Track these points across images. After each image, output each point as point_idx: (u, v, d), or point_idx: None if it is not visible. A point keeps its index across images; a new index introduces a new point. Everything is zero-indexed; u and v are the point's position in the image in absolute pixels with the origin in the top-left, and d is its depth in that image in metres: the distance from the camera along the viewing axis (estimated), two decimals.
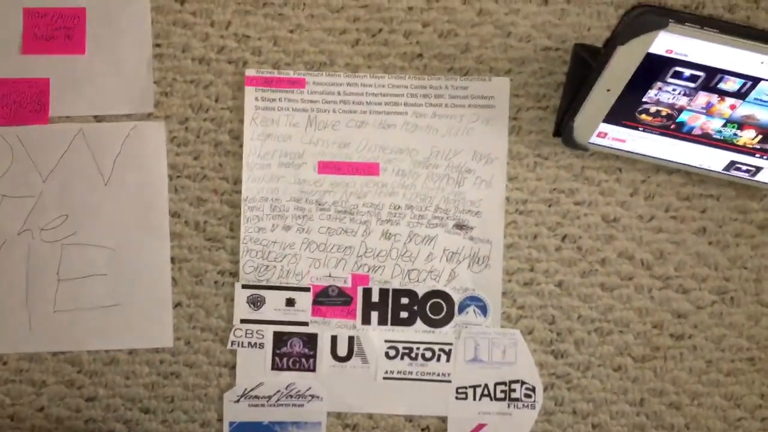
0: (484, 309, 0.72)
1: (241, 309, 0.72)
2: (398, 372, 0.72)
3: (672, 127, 0.64)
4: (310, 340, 0.72)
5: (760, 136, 0.63)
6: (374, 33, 0.72)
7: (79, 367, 0.73)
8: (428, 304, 0.72)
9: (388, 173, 0.72)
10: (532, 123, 0.71)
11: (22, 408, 0.73)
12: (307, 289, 0.72)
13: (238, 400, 0.72)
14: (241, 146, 0.72)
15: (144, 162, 0.72)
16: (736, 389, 0.72)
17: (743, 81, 0.59)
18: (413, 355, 0.72)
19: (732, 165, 0.66)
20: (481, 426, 0.72)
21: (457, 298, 0.72)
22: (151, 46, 0.72)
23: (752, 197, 0.71)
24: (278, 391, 0.72)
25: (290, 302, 0.72)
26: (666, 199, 0.71)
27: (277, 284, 0.72)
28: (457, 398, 0.72)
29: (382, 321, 0.72)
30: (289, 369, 0.72)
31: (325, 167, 0.72)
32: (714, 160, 0.66)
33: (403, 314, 0.72)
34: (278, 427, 0.72)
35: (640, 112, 0.63)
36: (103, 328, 0.72)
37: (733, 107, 0.61)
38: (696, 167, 0.67)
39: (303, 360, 0.72)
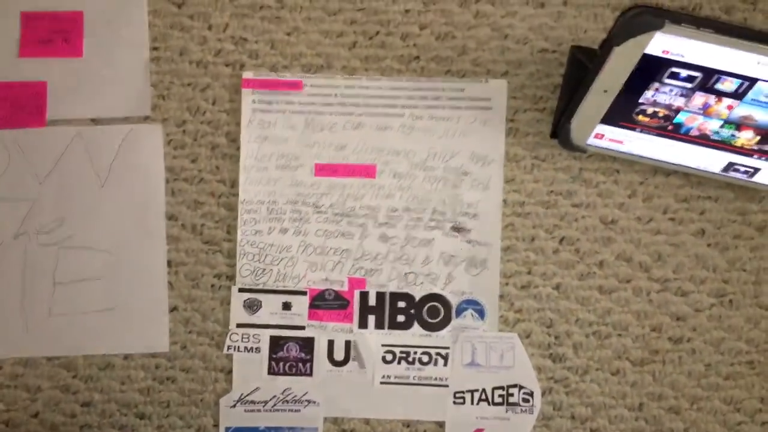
0: (481, 312, 0.71)
1: (238, 313, 0.72)
2: (395, 376, 0.72)
3: (669, 128, 0.64)
4: (307, 344, 0.72)
5: (758, 137, 0.63)
6: (371, 35, 0.72)
7: (74, 372, 0.72)
8: (425, 308, 0.72)
9: (385, 175, 0.72)
10: (529, 125, 0.71)
11: (16, 413, 0.72)
12: (303, 293, 0.72)
13: (234, 405, 0.72)
14: (238, 149, 0.72)
15: (141, 165, 0.72)
16: (735, 393, 0.71)
17: (740, 81, 0.59)
18: (410, 359, 0.72)
19: (730, 166, 0.66)
20: (479, 431, 0.71)
21: (454, 301, 0.72)
22: (148, 50, 0.72)
23: (751, 199, 0.71)
24: (275, 396, 0.72)
25: (287, 306, 0.72)
26: (664, 201, 0.71)
27: (274, 288, 0.72)
28: (454, 403, 0.72)
29: (379, 325, 0.72)
30: (285, 374, 0.72)
31: (322, 170, 0.72)
32: (712, 161, 0.66)
33: (400, 318, 0.72)
34: None
35: (638, 113, 0.63)
36: (99, 332, 0.72)
37: (730, 108, 0.61)
38: (694, 169, 0.67)
39: (299, 364, 0.72)
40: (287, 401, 0.72)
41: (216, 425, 0.72)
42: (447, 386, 0.72)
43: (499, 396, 0.71)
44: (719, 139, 0.64)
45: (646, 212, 0.71)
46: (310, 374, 0.72)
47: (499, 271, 0.71)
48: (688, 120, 0.63)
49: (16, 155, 0.72)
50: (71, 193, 0.72)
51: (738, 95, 0.60)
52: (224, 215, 0.72)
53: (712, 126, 0.63)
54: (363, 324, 0.72)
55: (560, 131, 0.67)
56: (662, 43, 0.57)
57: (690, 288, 0.71)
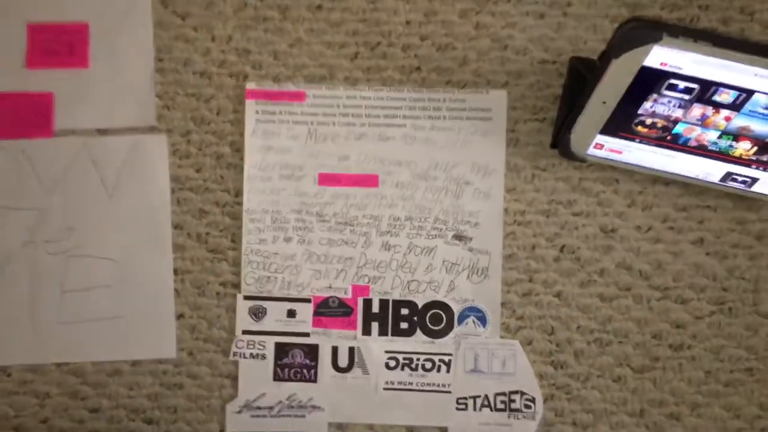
0: (483, 320, 0.72)
1: (243, 320, 0.73)
2: (398, 383, 0.72)
3: (668, 138, 0.64)
4: (311, 350, 0.73)
5: (755, 148, 0.63)
6: (373, 46, 0.72)
7: (82, 378, 0.73)
8: (428, 315, 0.72)
9: (387, 185, 0.72)
10: (530, 135, 0.72)
11: (26, 419, 0.73)
12: (308, 300, 0.73)
13: (240, 411, 0.73)
14: (242, 159, 0.73)
15: (147, 174, 0.73)
16: (735, 400, 0.72)
17: (737, 93, 0.59)
18: (413, 365, 0.72)
19: (728, 176, 0.66)
20: None
21: (456, 308, 0.72)
22: (153, 61, 0.73)
23: (749, 208, 0.71)
24: (280, 402, 0.73)
25: (291, 313, 0.73)
26: (663, 210, 0.72)
27: (279, 295, 0.73)
28: (457, 409, 0.72)
29: (382, 332, 0.73)
30: (290, 380, 0.73)
31: (325, 179, 0.72)
32: (710, 171, 0.66)
33: (403, 325, 0.73)
34: None
35: (636, 124, 0.64)
36: (107, 339, 0.73)
37: (728, 119, 0.61)
38: (693, 178, 0.67)
39: (304, 371, 0.73)
40: (292, 407, 0.73)
41: (222, 430, 0.73)
42: (450, 392, 0.72)
43: (501, 402, 0.72)
44: (717, 149, 0.64)
45: (645, 221, 0.72)
46: (315, 380, 0.73)
47: (501, 278, 0.72)
48: (687, 131, 0.63)
49: (24, 165, 0.73)
50: (78, 202, 0.73)
51: (735, 107, 0.60)
52: (229, 224, 0.73)
53: (710, 137, 0.63)
54: (366, 331, 0.73)
55: (560, 141, 0.68)
56: (660, 56, 0.57)
57: (690, 296, 0.72)
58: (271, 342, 0.73)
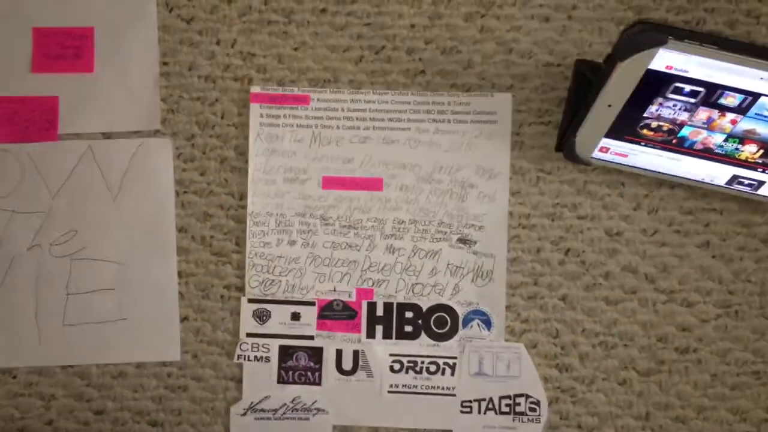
0: (488, 323, 0.72)
1: (247, 323, 0.73)
2: (403, 385, 0.72)
3: (674, 141, 0.64)
4: (316, 353, 0.73)
5: (761, 151, 0.63)
6: (377, 50, 0.72)
7: (87, 380, 0.73)
8: (432, 318, 0.72)
9: (391, 188, 0.72)
10: (535, 138, 0.72)
11: (31, 421, 0.74)
12: (312, 303, 0.73)
13: (244, 413, 0.73)
14: (246, 162, 0.73)
15: (151, 178, 0.73)
16: (741, 403, 0.71)
17: (743, 96, 0.59)
18: (418, 368, 0.72)
19: (734, 179, 0.66)
20: None
21: (461, 311, 0.72)
22: (158, 65, 0.73)
23: (755, 211, 0.71)
24: (284, 405, 0.73)
25: (295, 316, 0.73)
26: (669, 213, 0.71)
27: (283, 298, 0.73)
28: (461, 412, 0.72)
29: (386, 335, 0.73)
30: (294, 382, 0.73)
31: (330, 182, 0.72)
32: (716, 174, 0.66)
33: (408, 328, 0.73)
34: None
35: (642, 127, 0.63)
36: (112, 341, 0.73)
37: (734, 122, 0.61)
38: (698, 181, 0.67)
39: (308, 373, 0.73)
40: (296, 409, 0.73)
41: None
42: (454, 395, 0.72)
43: (506, 405, 0.72)
44: (723, 152, 0.64)
45: (651, 224, 0.72)
46: (319, 383, 0.73)
47: (506, 282, 0.72)
48: (692, 134, 0.63)
49: (29, 169, 0.73)
50: (83, 205, 0.73)
51: (741, 110, 0.60)
52: (233, 227, 0.73)
53: (715, 140, 0.63)
54: (371, 334, 0.73)
55: (565, 145, 0.67)
56: (666, 59, 0.57)
57: (696, 299, 0.71)
58: (275, 345, 0.73)
